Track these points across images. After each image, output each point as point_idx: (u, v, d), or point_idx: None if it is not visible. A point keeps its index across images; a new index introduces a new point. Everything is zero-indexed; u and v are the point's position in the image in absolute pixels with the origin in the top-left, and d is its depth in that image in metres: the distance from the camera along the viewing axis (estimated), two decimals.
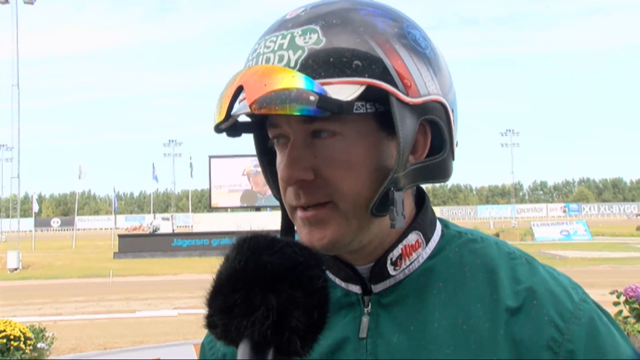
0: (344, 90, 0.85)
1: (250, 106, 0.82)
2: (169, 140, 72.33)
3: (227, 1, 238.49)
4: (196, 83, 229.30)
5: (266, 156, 1.05)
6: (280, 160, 0.94)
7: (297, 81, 0.82)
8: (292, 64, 0.85)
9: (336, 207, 0.90)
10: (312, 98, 0.81)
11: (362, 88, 0.85)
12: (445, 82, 0.96)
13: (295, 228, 0.96)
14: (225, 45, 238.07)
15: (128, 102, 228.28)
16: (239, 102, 0.88)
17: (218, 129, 0.92)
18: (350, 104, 0.84)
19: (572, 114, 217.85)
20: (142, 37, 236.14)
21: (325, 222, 0.91)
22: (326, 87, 0.83)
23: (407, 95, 0.88)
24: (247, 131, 1.01)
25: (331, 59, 0.85)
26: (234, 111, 0.87)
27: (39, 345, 7.96)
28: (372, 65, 0.86)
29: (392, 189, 0.88)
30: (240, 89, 0.85)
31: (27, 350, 7.51)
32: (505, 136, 69.70)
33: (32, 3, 38.85)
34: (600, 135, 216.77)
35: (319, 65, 0.85)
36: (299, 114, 0.81)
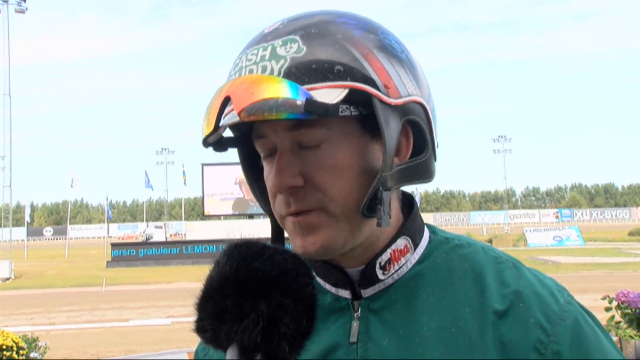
0: (328, 94, 0.86)
1: (239, 114, 0.83)
2: (162, 149, 72.22)
3: (219, 8, 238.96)
4: (188, 90, 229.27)
5: (252, 171, 1.06)
6: (268, 170, 0.95)
7: (283, 87, 0.83)
8: (275, 73, 0.87)
9: (324, 211, 0.91)
10: (299, 102, 0.82)
11: (345, 91, 0.87)
12: (422, 84, 0.98)
13: (287, 236, 0.97)
14: (217, 52, 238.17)
15: (120, 110, 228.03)
16: (225, 115, 0.89)
17: (206, 142, 0.93)
18: (335, 106, 0.86)
19: (564, 119, 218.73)
20: (133, 44, 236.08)
21: (317, 227, 0.92)
22: (311, 92, 0.85)
23: (389, 96, 0.90)
24: (232, 146, 1.02)
25: (313, 66, 0.87)
26: (222, 122, 0.88)
27: (31, 355, 7.92)
28: (352, 70, 0.88)
29: (380, 188, 0.89)
30: (227, 100, 0.86)
31: None
32: (498, 142, 69.98)
33: (23, 12, 38.80)
34: (592, 140, 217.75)
35: (302, 72, 0.87)
36: (287, 117, 0.82)
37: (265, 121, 0.87)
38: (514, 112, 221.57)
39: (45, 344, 8.69)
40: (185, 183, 65.31)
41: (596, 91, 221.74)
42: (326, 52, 0.88)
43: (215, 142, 0.95)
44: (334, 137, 0.91)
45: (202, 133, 0.90)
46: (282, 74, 0.86)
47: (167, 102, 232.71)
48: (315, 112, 0.83)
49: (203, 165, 39.81)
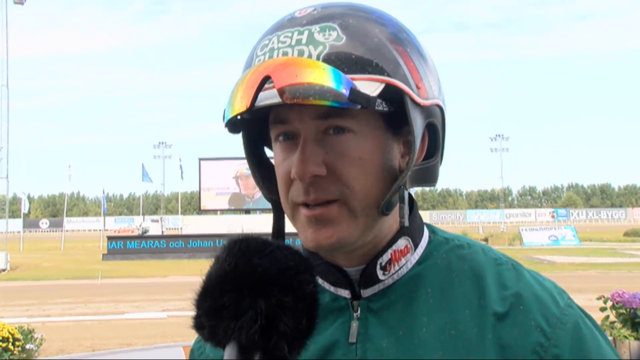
0: (367, 86, 0.86)
1: (281, 96, 0.82)
2: (159, 142, 71.93)
3: (219, 3, 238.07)
4: (187, 85, 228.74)
5: (255, 157, 1.05)
6: (283, 157, 0.94)
7: (328, 74, 0.82)
8: (313, 58, 0.86)
9: (345, 205, 0.90)
10: (344, 91, 0.82)
11: (382, 86, 0.87)
12: (440, 87, 0.99)
13: (296, 227, 0.95)
14: (217, 47, 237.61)
15: (118, 103, 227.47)
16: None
17: (230, 121, 0.91)
18: (375, 99, 0.86)
19: (562, 119, 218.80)
20: (133, 39, 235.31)
21: (334, 221, 0.90)
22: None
23: (419, 96, 0.91)
24: (241, 128, 1.00)
25: (353, 56, 0.87)
26: (258, 101, 0.85)
27: (27, 346, 7.92)
28: (390, 65, 0.88)
29: (402, 187, 0.90)
30: (265, 80, 0.84)
31: (15, 352, 7.47)
32: (495, 141, 69.93)
33: (22, 3, 38.64)
34: (589, 141, 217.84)
35: (342, 61, 0.86)
36: (331, 105, 0.82)
37: (293, 106, 0.85)
38: (511, 111, 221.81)
39: (41, 336, 8.70)
40: (182, 177, 65.16)
41: (595, 92, 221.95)
42: (365, 44, 0.87)
43: (230, 123, 0.93)
44: (360, 130, 0.90)
45: (232, 111, 0.87)
46: (321, 60, 0.85)
47: (165, 96, 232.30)
48: (358, 102, 0.83)
49: (200, 159, 39.73)
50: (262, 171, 1.04)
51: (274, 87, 0.83)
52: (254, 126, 1.00)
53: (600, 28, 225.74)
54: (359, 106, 0.84)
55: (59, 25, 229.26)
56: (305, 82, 0.81)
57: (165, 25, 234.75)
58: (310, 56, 0.86)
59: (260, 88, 0.84)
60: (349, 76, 0.85)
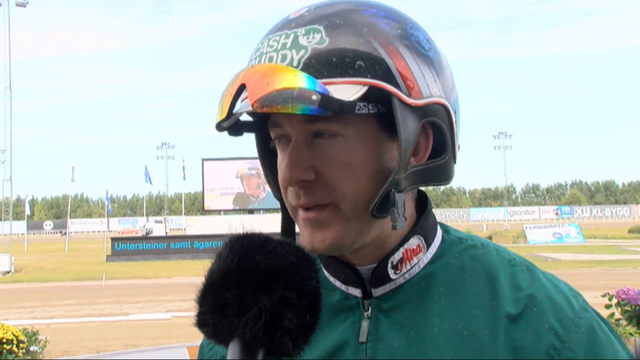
0: (347, 90, 0.84)
1: (252, 105, 0.82)
2: (162, 143, 72.22)
3: (222, 4, 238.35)
4: (189, 86, 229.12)
5: (267, 156, 1.05)
6: (280, 159, 0.94)
7: (300, 80, 0.81)
8: (295, 63, 0.85)
9: (337, 209, 0.90)
10: (314, 97, 0.81)
11: (365, 89, 0.85)
12: (448, 84, 0.96)
13: (297, 229, 0.96)
14: (219, 47, 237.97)
15: (121, 104, 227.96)
16: (241, 101, 0.87)
17: (219, 127, 0.92)
18: (352, 104, 0.84)
19: (565, 116, 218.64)
20: (135, 40, 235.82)
21: (326, 224, 0.90)
22: (329, 87, 0.83)
23: (410, 96, 0.88)
24: (249, 130, 1.01)
25: (334, 59, 0.85)
26: (236, 109, 0.87)
27: (31, 348, 7.93)
28: (374, 66, 0.86)
29: (393, 190, 0.88)
30: (242, 88, 0.84)
31: (19, 354, 7.47)
32: (498, 139, 70.03)
33: (24, 6, 38.76)
34: (593, 138, 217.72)
35: (322, 65, 0.85)
36: (300, 112, 0.81)
37: None
38: (514, 109, 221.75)
39: (45, 338, 8.70)
40: (184, 178, 65.36)
41: (597, 88, 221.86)
42: (349, 45, 0.86)
43: (230, 126, 0.94)
44: (349, 134, 0.89)
45: (215, 118, 0.89)
46: (301, 65, 0.85)
47: (168, 97, 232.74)
48: (330, 109, 0.82)
49: (203, 160, 39.83)
50: (274, 169, 1.03)
51: None
52: (266, 126, 0.99)
53: (604, 24, 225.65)
54: (330, 112, 0.83)
55: (61, 26, 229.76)
56: (275, 89, 0.81)
57: (168, 26, 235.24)
58: (292, 60, 0.86)
59: (236, 97, 0.86)
60: (329, 80, 0.84)
